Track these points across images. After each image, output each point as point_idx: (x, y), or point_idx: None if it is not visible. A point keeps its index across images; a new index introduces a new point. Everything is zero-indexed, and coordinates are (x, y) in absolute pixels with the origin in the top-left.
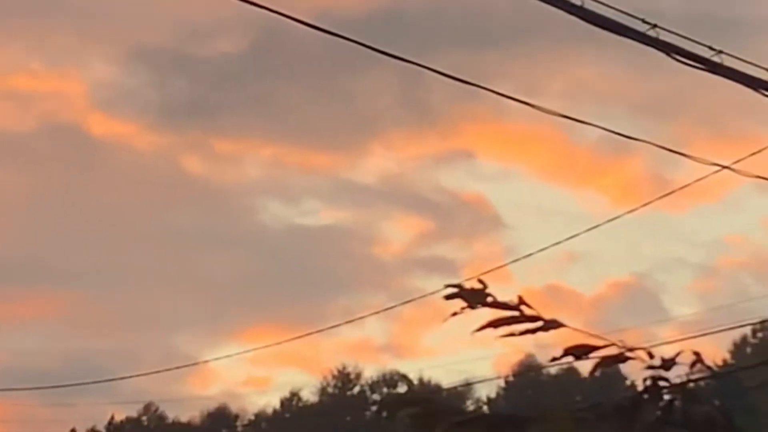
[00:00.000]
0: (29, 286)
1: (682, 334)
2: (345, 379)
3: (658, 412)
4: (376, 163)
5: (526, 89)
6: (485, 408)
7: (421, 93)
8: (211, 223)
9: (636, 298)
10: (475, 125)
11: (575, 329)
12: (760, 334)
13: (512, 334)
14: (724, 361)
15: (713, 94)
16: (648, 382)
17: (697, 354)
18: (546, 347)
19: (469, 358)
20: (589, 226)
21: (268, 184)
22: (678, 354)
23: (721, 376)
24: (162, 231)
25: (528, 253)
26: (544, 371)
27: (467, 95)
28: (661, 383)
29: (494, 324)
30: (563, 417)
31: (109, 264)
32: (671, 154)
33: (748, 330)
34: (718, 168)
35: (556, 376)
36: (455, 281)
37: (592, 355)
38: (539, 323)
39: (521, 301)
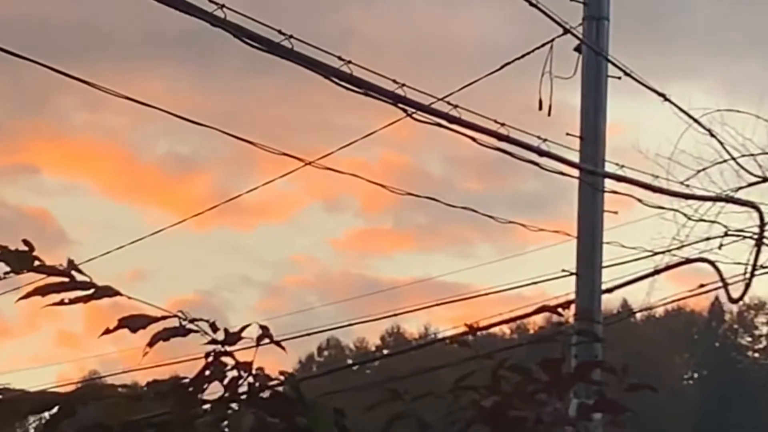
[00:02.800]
0: None
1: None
2: None
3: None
4: None
5: (90, 104)
6: None
7: None
8: None
9: (201, 316)
10: (40, 141)
11: (132, 298)
12: (325, 352)
13: (62, 303)
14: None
15: (281, 112)
16: (210, 358)
17: (264, 327)
18: (112, 362)
19: (28, 373)
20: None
21: None
22: (244, 328)
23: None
24: None
25: (89, 259)
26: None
27: (30, 110)
28: (226, 359)
29: (42, 291)
30: (117, 394)
31: None
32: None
33: (314, 348)
34: (287, 174)
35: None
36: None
37: (150, 327)
38: (92, 290)
39: (72, 266)
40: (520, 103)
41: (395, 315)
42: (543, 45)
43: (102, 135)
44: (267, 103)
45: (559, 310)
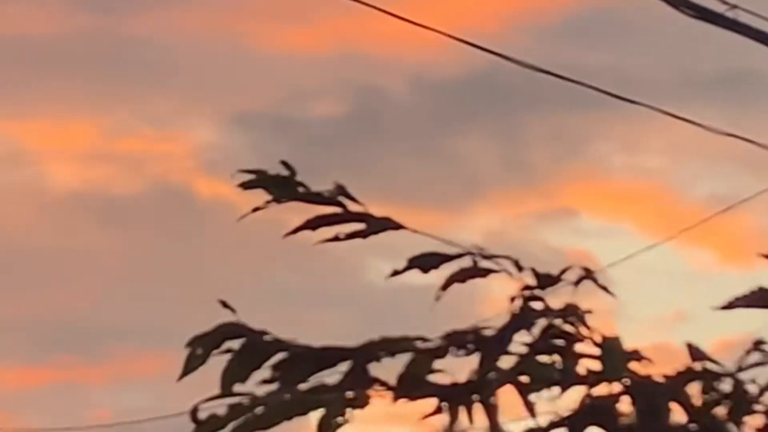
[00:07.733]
0: (138, 346)
1: None
2: None
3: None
4: (480, 223)
5: (627, 147)
6: None
7: (522, 153)
8: (315, 283)
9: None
10: (578, 184)
11: (417, 231)
12: None
13: (336, 239)
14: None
15: None
16: (518, 304)
17: (586, 269)
18: None
19: None
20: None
21: (372, 243)
22: (566, 270)
23: None
24: (265, 291)
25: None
26: None
27: (569, 156)
28: (535, 304)
29: (311, 224)
30: (413, 348)
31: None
32: None
33: None
34: None
35: None
36: None
37: (444, 266)
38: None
39: (341, 191)
40: None
41: None
42: None
43: (640, 177)
44: None
45: None
